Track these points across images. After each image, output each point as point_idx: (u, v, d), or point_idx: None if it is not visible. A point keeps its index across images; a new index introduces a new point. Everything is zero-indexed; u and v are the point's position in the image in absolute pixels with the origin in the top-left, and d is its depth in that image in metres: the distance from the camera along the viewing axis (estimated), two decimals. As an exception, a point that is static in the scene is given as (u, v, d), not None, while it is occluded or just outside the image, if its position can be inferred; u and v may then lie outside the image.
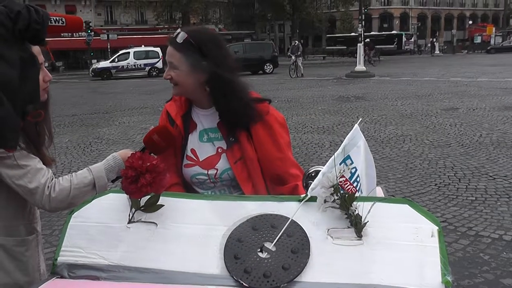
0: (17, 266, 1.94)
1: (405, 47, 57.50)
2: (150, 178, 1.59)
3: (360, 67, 27.37)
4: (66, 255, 1.65)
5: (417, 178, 7.03)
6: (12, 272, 1.92)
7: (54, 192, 1.85)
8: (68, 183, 1.89)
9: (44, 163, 1.91)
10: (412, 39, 61.31)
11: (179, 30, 2.10)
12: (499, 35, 66.50)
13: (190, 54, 2.04)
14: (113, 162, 1.99)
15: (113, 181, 2.05)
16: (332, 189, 1.46)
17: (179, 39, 2.04)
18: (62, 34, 51.04)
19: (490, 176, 6.94)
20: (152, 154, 2.01)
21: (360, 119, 2.41)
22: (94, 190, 1.93)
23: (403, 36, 58.58)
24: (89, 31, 44.18)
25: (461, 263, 4.26)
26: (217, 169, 2.14)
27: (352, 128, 1.94)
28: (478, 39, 65.77)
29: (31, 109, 1.53)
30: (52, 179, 1.87)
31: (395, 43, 57.58)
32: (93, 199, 1.78)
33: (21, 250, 1.95)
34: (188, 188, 2.21)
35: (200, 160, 2.17)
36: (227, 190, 2.18)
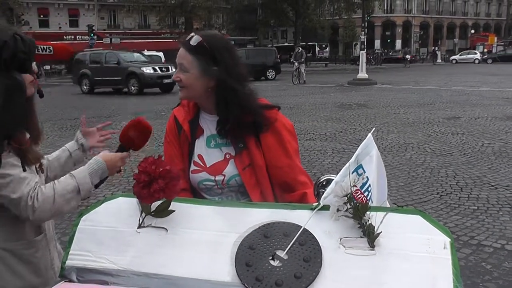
0: (29, 269, 1.94)
1: (319, 55, 64.99)
2: (163, 184, 1.59)
3: (363, 74, 27.36)
4: (74, 259, 1.64)
5: (419, 186, 7.03)
6: (25, 275, 1.92)
7: (37, 202, 1.80)
8: (51, 192, 1.84)
9: (32, 161, 1.89)
10: (327, 49, 69.04)
11: (193, 33, 2.10)
12: (501, 44, 66.60)
13: (202, 58, 2.04)
14: (96, 165, 1.95)
15: (96, 186, 2.01)
16: (346, 198, 1.46)
17: (193, 42, 2.04)
18: (65, 37, 51.23)
19: (492, 186, 6.94)
20: (130, 150, 2.01)
21: (374, 128, 2.40)
22: (78, 195, 1.90)
23: (316, 46, 66.12)
24: (92, 34, 44.25)
25: (463, 272, 4.24)
26: (224, 175, 2.14)
27: (360, 136, 1.93)
28: (480, 48, 65.81)
29: (17, 135, 1.52)
30: (35, 189, 1.82)
31: (311, 52, 63.17)
32: (102, 203, 1.78)
33: (31, 252, 1.95)
34: (195, 194, 2.21)
35: (207, 166, 2.16)
36: (235, 197, 2.17)
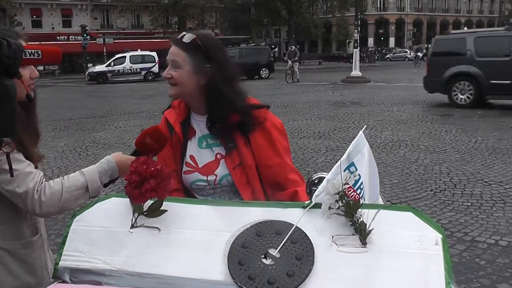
0: (25, 269, 1.94)
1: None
2: (154, 183, 1.58)
3: (356, 72, 27.44)
4: (67, 260, 1.64)
5: (413, 183, 7.05)
6: (21, 275, 1.93)
7: (44, 196, 1.80)
8: (59, 186, 1.84)
9: (32, 161, 1.89)
10: (276, 49, 68.02)
11: (184, 32, 2.12)
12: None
13: (195, 55, 2.05)
14: (107, 165, 1.95)
15: (105, 185, 2.00)
16: (337, 196, 1.46)
17: (187, 39, 2.06)
18: (58, 37, 51.08)
19: (486, 182, 6.97)
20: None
21: (365, 126, 2.40)
22: (87, 193, 1.89)
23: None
24: (85, 35, 44.14)
25: (457, 268, 4.26)
26: (216, 175, 2.15)
27: (354, 134, 1.94)
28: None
29: (3, 142, 1.52)
30: (42, 183, 1.83)
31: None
32: (95, 203, 1.78)
33: (27, 252, 1.96)
34: (188, 194, 2.21)
35: (199, 166, 2.17)
36: (227, 196, 2.18)
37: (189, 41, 2.05)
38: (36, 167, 1.99)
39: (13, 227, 1.92)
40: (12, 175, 1.69)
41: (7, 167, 1.73)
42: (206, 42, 2.08)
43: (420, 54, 48.92)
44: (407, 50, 67.39)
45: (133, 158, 1.93)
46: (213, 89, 2.08)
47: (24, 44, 1.72)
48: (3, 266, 1.89)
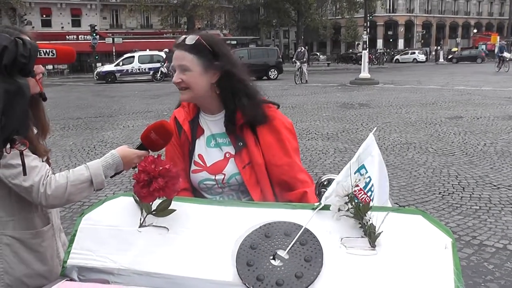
0: (36, 257, 2.01)
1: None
2: (162, 183, 1.59)
3: (365, 74, 27.31)
4: (76, 258, 1.65)
5: (421, 186, 7.02)
6: (32, 263, 1.99)
7: (50, 189, 1.86)
8: (64, 180, 1.89)
9: (38, 155, 1.94)
10: None
11: (184, 35, 2.10)
12: (504, 44, 66.57)
13: (202, 55, 2.04)
14: (111, 159, 1.98)
15: (111, 176, 2.06)
16: (347, 198, 1.46)
17: (190, 41, 2.04)
18: (67, 37, 51.31)
19: (494, 186, 6.93)
20: (150, 150, 2.01)
21: (375, 128, 2.40)
22: (91, 187, 1.93)
23: None
24: (94, 34, 44.32)
25: (465, 272, 4.23)
26: (224, 174, 2.14)
27: (362, 136, 1.93)
28: (482, 48, 65.76)
29: (16, 139, 1.54)
30: (47, 176, 1.88)
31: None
32: (103, 202, 1.79)
33: (38, 242, 2.02)
34: (196, 193, 2.21)
35: (208, 165, 2.17)
36: (235, 196, 2.17)
37: (194, 42, 2.04)
38: (47, 159, 2.04)
39: (24, 217, 1.98)
40: (25, 173, 1.73)
41: (13, 162, 1.79)
42: (210, 40, 2.07)
43: (507, 54, 36.51)
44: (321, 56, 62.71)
45: (138, 152, 1.98)
46: (226, 82, 2.08)
47: None
48: (15, 255, 1.96)
